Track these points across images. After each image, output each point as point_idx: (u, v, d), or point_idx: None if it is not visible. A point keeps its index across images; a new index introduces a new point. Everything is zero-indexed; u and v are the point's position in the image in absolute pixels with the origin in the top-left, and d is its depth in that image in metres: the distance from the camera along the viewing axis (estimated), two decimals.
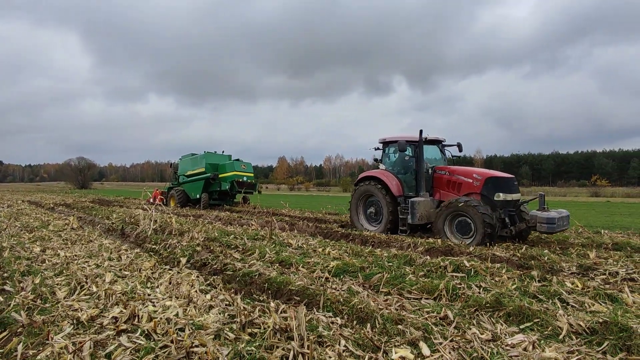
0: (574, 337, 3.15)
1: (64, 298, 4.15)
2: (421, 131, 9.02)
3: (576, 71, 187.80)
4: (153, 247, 7.62)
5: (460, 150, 10.28)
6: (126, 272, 5.34)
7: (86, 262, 5.97)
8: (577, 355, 2.81)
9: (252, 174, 18.69)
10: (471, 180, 8.37)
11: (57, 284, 4.65)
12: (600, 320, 3.23)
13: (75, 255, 6.48)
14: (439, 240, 7.53)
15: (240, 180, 17.79)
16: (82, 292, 4.33)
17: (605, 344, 2.97)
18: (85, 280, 4.70)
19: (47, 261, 6.04)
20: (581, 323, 3.26)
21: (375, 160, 10.58)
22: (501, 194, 7.97)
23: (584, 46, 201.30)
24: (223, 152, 19.70)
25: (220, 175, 18.00)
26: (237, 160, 18.79)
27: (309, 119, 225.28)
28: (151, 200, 19.41)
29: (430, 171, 9.27)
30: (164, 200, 19.87)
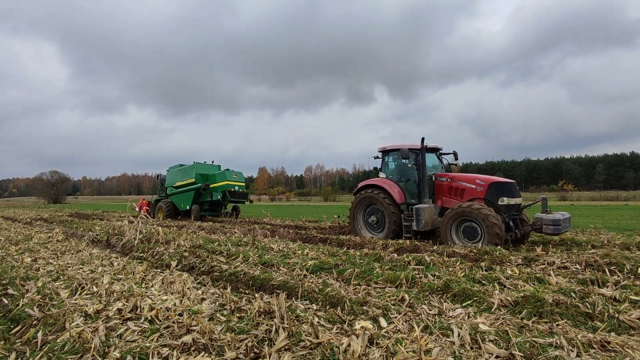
0: (502, 309, 3.91)
1: (68, 298, 4.63)
2: (423, 139, 9.18)
3: (548, 80, 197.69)
4: (141, 255, 8.04)
5: (456, 159, 10.45)
6: (120, 276, 5.82)
7: (80, 268, 6.40)
8: (500, 321, 3.56)
9: (243, 183, 18.62)
10: (474, 186, 8.56)
11: (59, 287, 5.10)
12: (522, 295, 4.01)
13: (68, 264, 6.87)
14: (408, 242, 8.28)
15: (232, 189, 17.70)
16: (84, 292, 4.81)
17: (523, 312, 3.75)
18: (84, 282, 5.17)
19: (41, 269, 6.42)
20: (509, 298, 4.04)
21: (375, 169, 10.73)
22: (505, 199, 8.18)
23: (556, 55, 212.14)
24: (213, 162, 19.53)
25: (211, 186, 17.85)
26: (228, 169, 18.68)
27: (290, 129, 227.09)
28: (137, 209, 19.43)
29: (433, 178, 9.48)
30: (150, 212, 19.83)
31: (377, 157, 10.70)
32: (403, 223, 9.27)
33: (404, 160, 9.60)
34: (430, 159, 9.97)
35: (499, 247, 7.23)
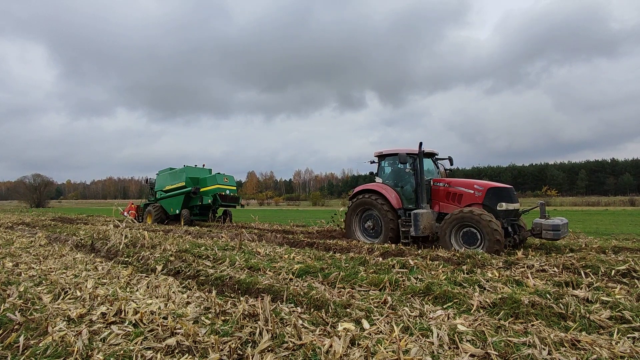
0: (481, 311, 4.04)
1: (50, 302, 4.59)
2: (421, 143, 9.15)
3: (534, 87, 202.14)
4: (126, 259, 7.96)
5: (451, 164, 10.45)
6: (105, 280, 5.78)
7: (63, 273, 6.32)
8: (478, 322, 3.68)
9: (234, 187, 18.37)
10: (472, 191, 8.55)
11: (41, 291, 5.05)
12: (500, 297, 4.14)
13: (51, 268, 6.79)
14: (393, 245, 8.40)
15: (223, 193, 17.45)
16: (67, 297, 4.77)
17: (500, 313, 3.88)
18: (68, 287, 5.13)
19: (23, 274, 6.32)
20: (487, 300, 4.17)
21: (371, 173, 10.66)
22: (504, 204, 8.20)
23: (542, 63, 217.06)
24: (203, 165, 19.35)
25: (201, 189, 17.57)
26: (219, 173, 18.37)
27: (280, 134, 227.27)
28: (125, 213, 19.19)
29: (432, 183, 9.45)
30: (137, 216, 19.56)
31: (373, 162, 10.63)
32: (401, 229, 9.18)
33: (400, 165, 9.55)
34: (426, 164, 9.86)
35: (481, 250, 7.40)
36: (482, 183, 8.74)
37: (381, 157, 10.39)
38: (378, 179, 10.25)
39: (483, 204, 8.34)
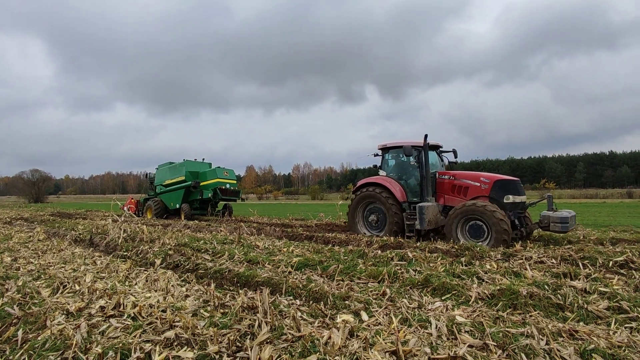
0: (479, 302, 4.05)
1: (49, 296, 4.59)
2: (426, 136, 8.99)
3: (534, 80, 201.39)
4: (124, 253, 7.96)
5: (456, 157, 10.40)
6: (103, 274, 5.78)
7: (62, 267, 6.32)
8: (477, 313, 3.69)
9: (234, 181, 18.31)
10: (479, 184, 8.45)
11: (40, 286, 5.04)
12: (499, 288, 4.16)
13: (50, 263, 6.78)
14: (392, 238, 8.41)
15: (223, 187, 17.37)
16: (66, 291, 4.77)
17: (499, 304, 3.89)
18: (66, 281, 5.12)
19: (21, 268, 6.32)
20: (486, 291, 4.18)
21: (375, 166, 10.54)
22: (510, 197, 8.08)
23: (543, 56, 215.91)
24: (203, 159, 19.19)
25: (201, 183, 17.49)
26: (219, 167, 18.31)
27: (279, 128, 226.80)
28: (125, 208, 19.20)
29: (437, 176, 9.33)
30: (136, 211, 19.55)
31: (377, 155, 10.49)
32: (405, 222, 9.08)
33: (405, 158, 9.42)
34: (431, 157, 9.63)
35: (480, 243, 7.42)
36: (488, 175, 8.64)
37: (385, 149, 10.25)
38: (382, 172, 10.10)
39: (489, 197, 8.25)
